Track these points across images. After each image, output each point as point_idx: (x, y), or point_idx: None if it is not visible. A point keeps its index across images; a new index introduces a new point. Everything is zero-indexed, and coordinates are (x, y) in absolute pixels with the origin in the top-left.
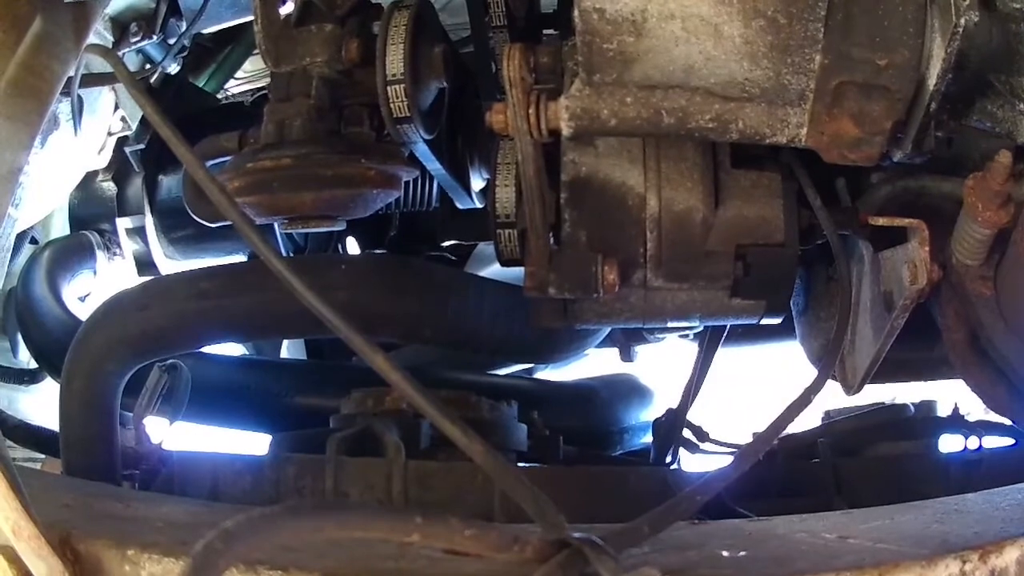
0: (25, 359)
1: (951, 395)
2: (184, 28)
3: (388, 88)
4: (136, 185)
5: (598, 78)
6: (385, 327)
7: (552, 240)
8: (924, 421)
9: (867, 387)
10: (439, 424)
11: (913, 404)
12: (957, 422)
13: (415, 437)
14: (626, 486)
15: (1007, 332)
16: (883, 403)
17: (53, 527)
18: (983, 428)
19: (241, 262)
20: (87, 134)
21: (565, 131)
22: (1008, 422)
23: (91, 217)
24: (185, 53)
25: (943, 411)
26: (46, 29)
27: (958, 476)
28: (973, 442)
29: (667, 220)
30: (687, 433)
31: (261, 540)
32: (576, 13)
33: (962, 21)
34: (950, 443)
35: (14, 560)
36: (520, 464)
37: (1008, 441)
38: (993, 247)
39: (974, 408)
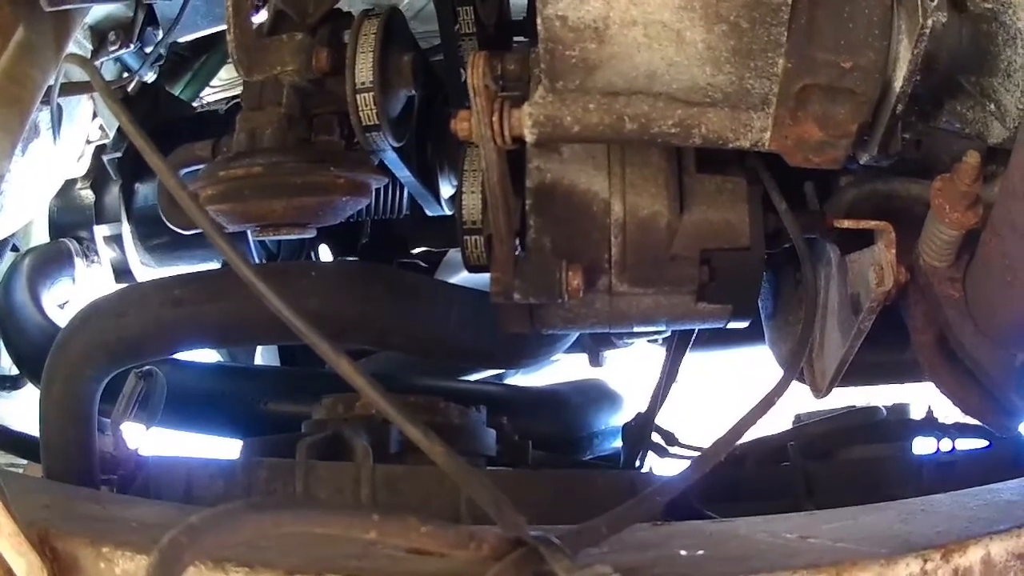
0: (6, 365)
1: (925, 397)
2: (161, 37)
3: (357, 96)
4: (114, 193)
5: (561, 85)
6: (355, 334)
7: (518, 246)
8: (897, 424)
9: (841, 390)
10: (401, 427)
11: (886, 407)
12: (930, 424)
13: (384, 442)
14: (593, 489)
15: (976, 334)
16: (854, 406)
17: (32, 526)
18: (957, 430)
19: (215, 269)
20: (66, 142)
21: (529, 138)
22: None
23: (70, 225)
24: (162, 62)
25: (917, 414)
26: (28, 38)
27: (931, 478)
28: (946, 444)
29: (632, 225)
30: (656, 437)
31: (224, 535)
32: (539, 20)
33: (929, 22)
34: (923, 446)
35: None
36: (489, 468)
37: (982, 443)
38: (962, 249)
39: (949, 410)
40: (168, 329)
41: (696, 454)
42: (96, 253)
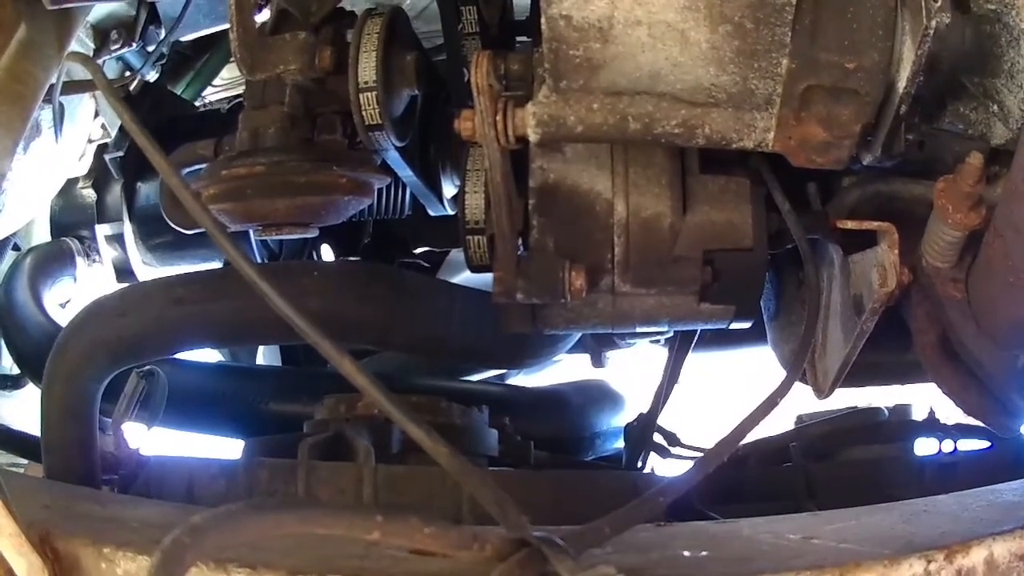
0: (7, 365)
1: (927, 398)
2: (163, 36)
3: (360, 96)
4: (115, 192)
5: (565, 85)
6: (356, 333)
7: (521, 246)
8: (898, 424)
9: (843, 391)
10: (404, 426)
11: (888, 408)
12: (932, 425)
13: (386, 442)
14: (596, 490)
15: (978, 335)
16: (856, 407)
17: (33, 526)
18: (959, 431)
19: (217, 268)
20: (68, 141)
21: (532, 138)
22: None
23: (71, 224)
24: (164, 60)
25: (919, 414)
26: (30, 36)
27: (933, 479)
28: (948, 445)
29: (635, 226)
30: (658, 438)
31: (227, 535)
32: (543, 20)
33: (933, 23)
34: (925, 446)
35: None
36: (491, 468)
37: (984, 444)
38: (964, 250)
39: (951, 411)
40: (170, 329)
41: (698, 455)
42: (97, 252)
